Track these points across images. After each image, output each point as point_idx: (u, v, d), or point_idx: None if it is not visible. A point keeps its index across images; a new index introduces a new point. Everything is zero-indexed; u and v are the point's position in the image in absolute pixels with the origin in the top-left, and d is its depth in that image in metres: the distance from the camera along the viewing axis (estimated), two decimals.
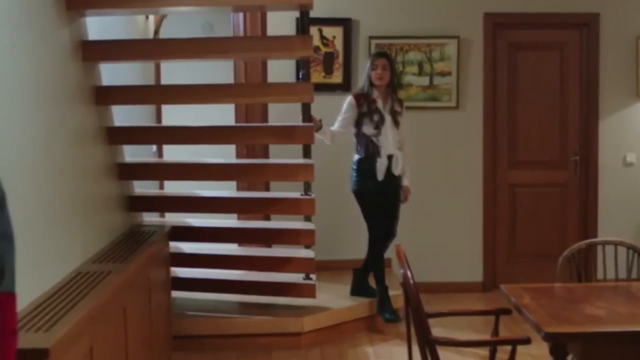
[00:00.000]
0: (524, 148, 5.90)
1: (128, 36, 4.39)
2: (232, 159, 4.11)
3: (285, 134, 3.88)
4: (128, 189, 4.30)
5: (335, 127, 4.78)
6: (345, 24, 5.68)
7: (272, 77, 5.55)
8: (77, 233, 3.38)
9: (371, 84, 4.74)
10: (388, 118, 4.72)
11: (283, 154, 4.99)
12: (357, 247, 5.70)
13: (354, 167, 4.81)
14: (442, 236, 5.89)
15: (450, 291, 5.78)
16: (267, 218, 5.40)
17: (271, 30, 5.48)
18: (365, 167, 4.73)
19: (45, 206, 2.98)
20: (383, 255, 4.92)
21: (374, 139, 4.70)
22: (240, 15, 5.56)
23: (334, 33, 5.70)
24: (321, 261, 5.11)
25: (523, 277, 5.91)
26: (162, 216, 5.18)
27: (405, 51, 5.72)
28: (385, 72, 4.70)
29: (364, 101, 4.73)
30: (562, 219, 5.97)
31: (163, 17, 5.11)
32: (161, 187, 5.37)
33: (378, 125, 4.69)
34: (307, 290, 4.63)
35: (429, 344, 2.74)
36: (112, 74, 3.99)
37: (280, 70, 5.57)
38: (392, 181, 4.80)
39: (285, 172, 4.06)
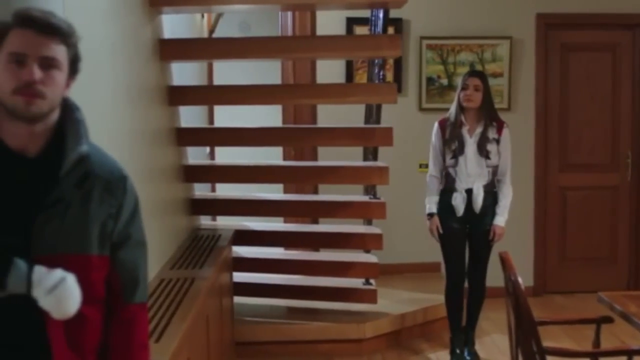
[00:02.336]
0: (575, 150, 5.80)
1: (188, 35, 4.28)
2: (304, 162, 3.99)
3: (363, 136, 3.77)
4: (190, 191, 4.19)
5: (433, 172, 4.19)
6: (396, 24, 5.56)
7: (319, 78, 5.46)
8: (155, 237, 3.27)
9: (461, 108, 4.12)
10: (472, 146, 4.08)
11: (331, 156, 4.88)
12: (410, 250, 5.60)
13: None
14: None
15: (500, 296, 5.65)
16: (315, 221, 5.29)
17: (319, 31, 5.38)
18: (443, 201, 4.17)
19: None
20: (456, 302, 4.32)
21: (451, 170, 4.11)
22: (289, 14, 5.46)
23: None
24: None
25: (574, 281, 5.83)
26: (214, 219, 5.07)
27: (456, 52, 5.62)
28: (476, 94, 4.06)
29: (448, 126, 4.15)
30: (614, 223, 5.86)
31: (219, 16, 5.00)
32: (212, 190, 5.25)
33: (455, 154, 4.09)
34: (367, 296, 4.53)
35: (540, 354, 2.64)
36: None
37: (328, 70, 5.47)
38: (476, 219, 4.16)
39: (359, 175, 3.93)
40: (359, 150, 4.91)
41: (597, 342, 2.99)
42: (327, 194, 4.95)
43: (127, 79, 2.80)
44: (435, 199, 4.18)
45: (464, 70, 5.61)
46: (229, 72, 5.69)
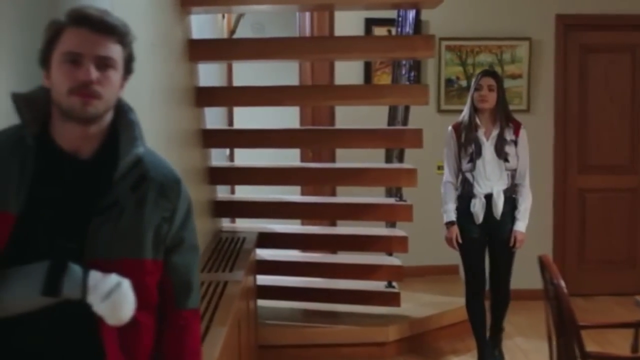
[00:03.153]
0: (594, 152, 5.78)
1: (209, 36, 4.24)
2: (331, 164, 3.94)
3: (392, 138, 3.72)
4: (214, 193, 4.15)
5: (449, 178, 4.04)
6: (415, 25, 5.52)
7: (338, 79, 5.42)
8: None
9: (475, 109, 3.99)
10: (489, 149, 3.93)
11: (349, 158, 4.84)
12: (428, 252, 5.55)
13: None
14: None
15: (519, 299, 5.60)
16: (334, 224, 5.25)
17: (338, 31, 5.35)
18: (461, 208, 4.01)
19: None
20: (479, 312, 4.18)
21: (468, 175, 3.95)
22: (307, 15, 5.43)
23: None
24: None
25: (593, 284, 5.79)
26: (233, 221, 5.02)
27: (475, 53, 5.59)
28: (491, 94, 3.92)
29: (462, 129, 4.00)
30: (633, 225, 5.83)
31: (240, 16, 4.96)
32: (232, 192, 5.20)
33: (473, 158, 3.93)
34: (390, 299, 4.49)
35: (583, 359, 2.60)
36: None
37: (346, 71, 5.43)
38: (496, 226, 4.00)
39: (386, 177, 3.89)
40: (378, 153, 4.86)
41: (635, 347, 2.96)
42: (345, 196, 4.92)
43: (163, 79, 2.76)
44: (453, 207, 4.03)
45: None
46: (249, 73, 5.65)
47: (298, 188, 5.44)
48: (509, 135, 3.98)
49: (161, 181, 1.70)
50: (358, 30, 5.47)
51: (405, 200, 4.08)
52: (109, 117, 1.64)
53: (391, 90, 3.83)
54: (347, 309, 4.65)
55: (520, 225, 4.04)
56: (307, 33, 5.41)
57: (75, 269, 1.55)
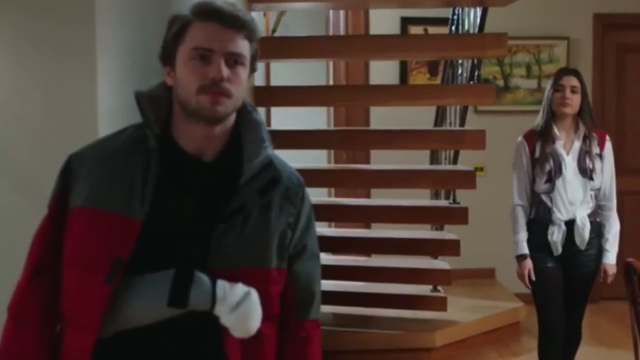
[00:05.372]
0: (632, 153, 5.70)
1: None
2: (389, 166, 3.82)
3: (453, 139, 3.60)
4: None
5: (519, 200, 3.40)
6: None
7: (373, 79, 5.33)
8: None
9: (552, 115, 3.35)
10: (571, 165, 3.29)
11: (383, 161, 4.74)
12: (464, 255, 5.45)
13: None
14: None
15: None
16: (368, 226, 5.15)
17: (372, 31, 5.26)
18: (535, 234, 3.38)
19: None
20: (554, 358, 3.49)
21: (544, 197, 3.32)
22: (341, 13, 5.34)
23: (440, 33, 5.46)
24: None
25: None
26: None
27: (513, 52, 5.50)
28: (574, 97, 3.27)
29: (537, 140, 3.34)
30: None
31: (281, 14, 4.85)
32: None
33: (551, 177, 3.28)
34: (437, 303, 4.38)
35: None
36: None
37: (382, 71, 5.34)
38: (577, 257, 3.35)
39: (446, 180, 3.75)
40: (412, 156, 4.74)
41: None
42: (379, 198, 4.82)
43: None
44: (524, 236, 3.38)
45: (520, 71, 5.51)
46: (282, 72, 5.54)
47: (325, 190, 5.33)
48: (594, 148, 3.34)
49: (286, 185, 1.60)
50: (394, 29, 5.38)
51: (459, 203, 3.97)
52: (233, 117, 1.55)
53: (456, 90, 3.70)
54: (390, 314, 4.55)
55: (611, 257, 3.39)
56: (342, 32, 5.31)
57: (203, 278, 1.46)
